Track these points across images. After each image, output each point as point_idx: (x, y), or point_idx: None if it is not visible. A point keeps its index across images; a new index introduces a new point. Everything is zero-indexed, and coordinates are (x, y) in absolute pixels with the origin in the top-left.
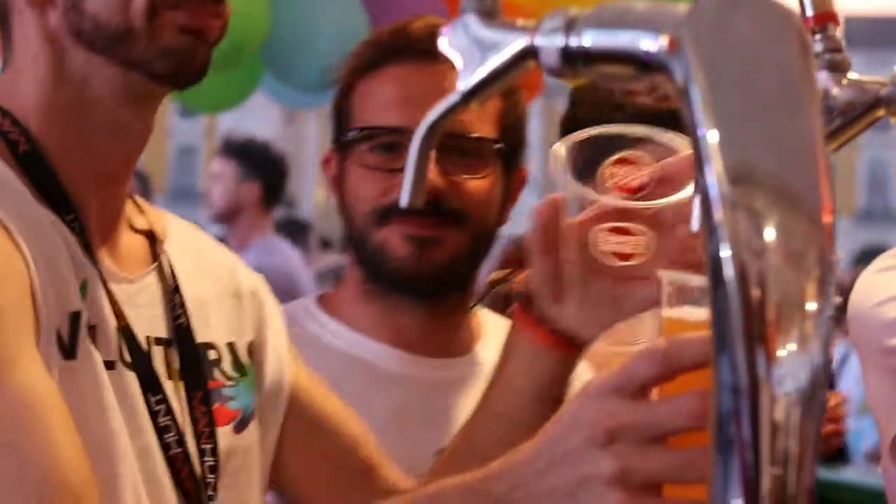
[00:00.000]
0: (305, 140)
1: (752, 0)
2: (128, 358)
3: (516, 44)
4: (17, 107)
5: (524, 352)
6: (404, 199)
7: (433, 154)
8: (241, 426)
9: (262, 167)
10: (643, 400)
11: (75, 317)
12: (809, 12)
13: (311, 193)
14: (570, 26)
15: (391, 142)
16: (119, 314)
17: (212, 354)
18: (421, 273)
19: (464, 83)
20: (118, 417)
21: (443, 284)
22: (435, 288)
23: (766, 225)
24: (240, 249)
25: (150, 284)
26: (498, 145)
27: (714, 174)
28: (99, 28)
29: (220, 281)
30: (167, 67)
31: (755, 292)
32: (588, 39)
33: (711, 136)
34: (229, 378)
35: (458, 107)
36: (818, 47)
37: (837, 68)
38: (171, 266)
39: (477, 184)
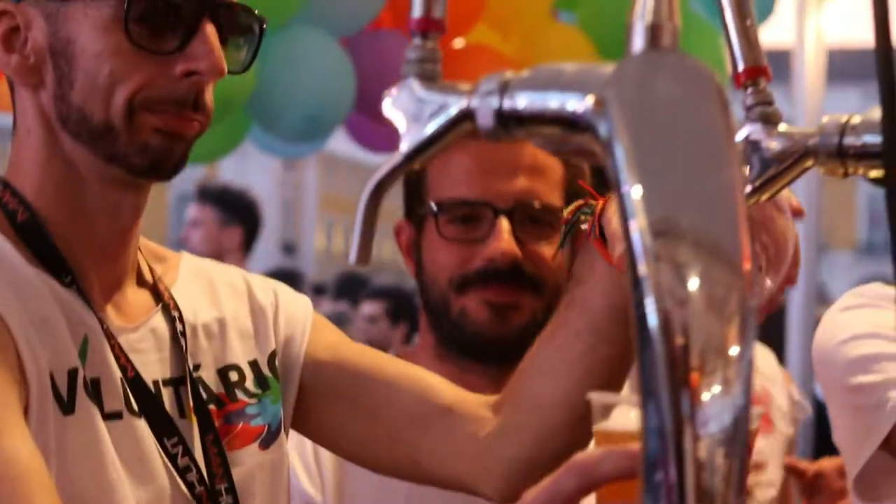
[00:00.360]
0: (305, 186)
1: (673, 61)
2: (135, 406)
3: (454, 106)
4: (17, 177)
5: (602, 273)
6: (352, 258)
7: (507, 224)
8: (267, 441)
9: (242, 213)
10: None
11: (73, 373)
12: (741, 67)
13: (312, 239)
14: (504, 89)
15: (469, 214)
16: (125, 365)
17: (233, 376)
18: (500, 337)
19: (406, 144)
20: (118, 468)
21: (519, 348)
22: (511, 352)
23: (688, 275)
24: None
25: (156, 328)
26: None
27: (637, 228)
28: (83, 120)
29: (239, 301)
30: (145, 163)
31: (679, 339)
32: (520, 101)
33: (635, 192)
34: (252, 395)
35: (401, 167)
36: (750, 101)
37: (769, 120)
38: (178, 307)
39: (550, 250)
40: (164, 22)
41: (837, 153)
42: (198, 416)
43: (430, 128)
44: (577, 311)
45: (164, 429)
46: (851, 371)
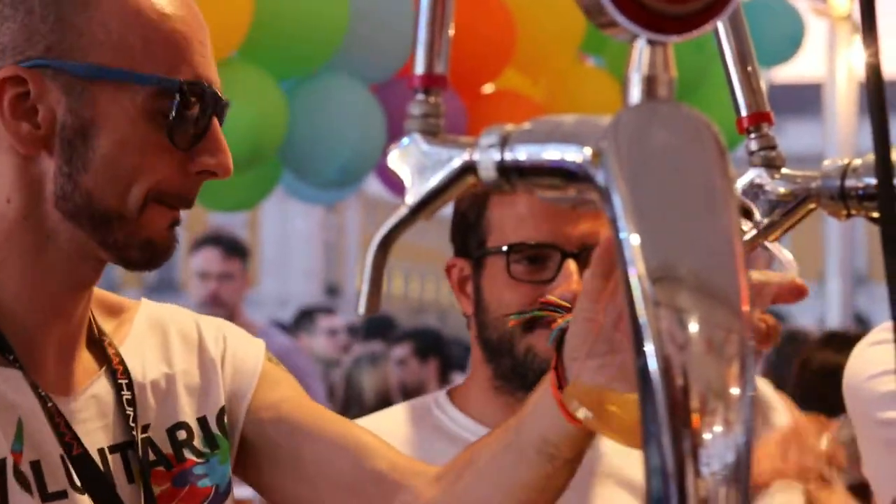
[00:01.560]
0: (347, 229)
1: (668, 111)
2: (78, 482)
3: (457, 160)
4: None
5: (541, 394)
6: (361, 309)
7: (575, 266)
8: (215, 502)
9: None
10: None
11: (1, 464)
12: (744, 112)
13: (355, 281)
14: (505, 142)
15: (537, 255)
16: (70, 442)
17: (181, 435)
18: None
19: (412, 197)
20: None
21: None
22: None
23: (688, 319)
24: None
25: (98, 394)
26: None
27: (636, 275)
28: (90, 205)
29: (189, 354)
30: (144, 258)
31: (679, 382)
32: (521, 154)
33: (633, 240)
34: (200, 455)
35: (407, 220)
36: (753, 145)
37: (772, 164)
38: (124, 367)
39: None
40: (187, 119)
41: (840, 195)
42: (142, 482)
43: (435, 181)
44: (516, 424)
45: (107, 502)
46: (882, 406)
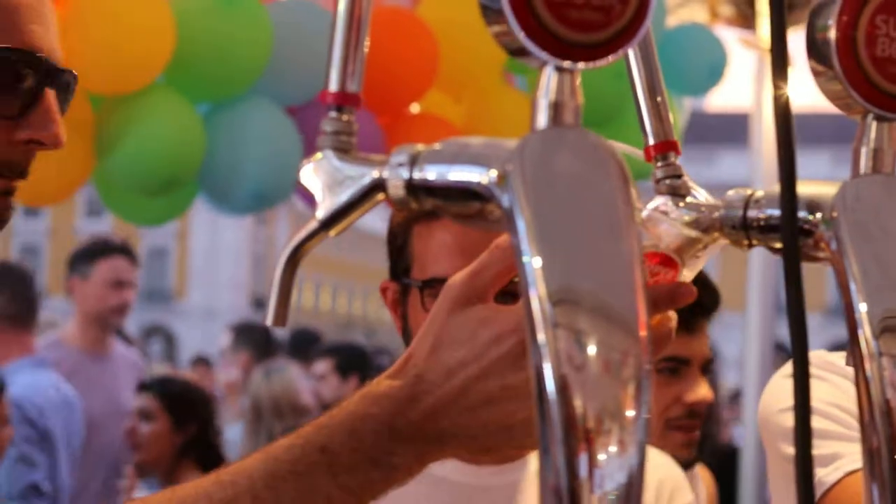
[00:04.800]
0: (277, 241)
1: (575, 137)
2: None
3: (367, 177)
4: None
5: None
6: (269, 320)
7: None
8: None
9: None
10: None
11: None
12: (651, 141)
13: None
14: (414, 161)
15: None
16: None
17: None
18: None
19: (322, 212)
20: None
21: None
22: None
23: (586, 341)
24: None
25: None
26: None
27: (537, 297)
28: None
29: None
30: None
31: (576, 402)
32: (429, 173)
33: (535, 263)
34: None
35: (316, 233)
36: (659, 174)
37: (677, 192)
38: None
39: None
40: (6, 87)
41: (742, 225)
42: None
43: (345, 196)
44: None
45: None
46: (787, 440)
